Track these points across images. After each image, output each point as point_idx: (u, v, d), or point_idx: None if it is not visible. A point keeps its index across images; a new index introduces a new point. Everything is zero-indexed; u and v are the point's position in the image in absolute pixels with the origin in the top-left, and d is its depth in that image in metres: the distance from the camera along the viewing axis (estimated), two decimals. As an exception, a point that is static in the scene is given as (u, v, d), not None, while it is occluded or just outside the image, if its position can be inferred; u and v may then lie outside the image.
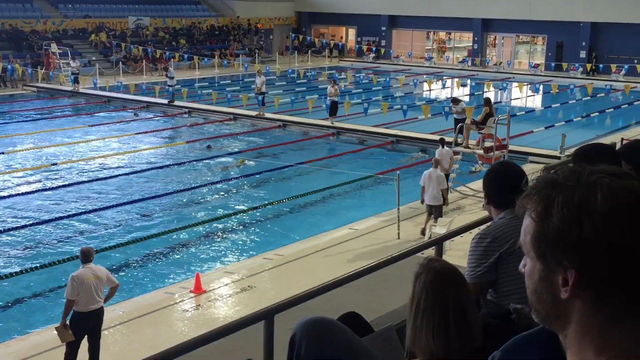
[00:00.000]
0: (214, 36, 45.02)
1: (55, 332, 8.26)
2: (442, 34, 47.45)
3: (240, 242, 13.70)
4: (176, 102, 27.93)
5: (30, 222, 14.33)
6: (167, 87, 28.57)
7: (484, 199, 3.56)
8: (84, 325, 8.30)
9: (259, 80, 25.66)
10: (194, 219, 14.61)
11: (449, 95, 30.61)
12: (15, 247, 13.16)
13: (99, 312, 8.41)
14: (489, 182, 3.51)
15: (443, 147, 15.44)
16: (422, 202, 13.45)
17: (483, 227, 3.96)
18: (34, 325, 9.99)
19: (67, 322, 8.22)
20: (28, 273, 11.75)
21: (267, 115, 25.48)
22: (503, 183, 3.39)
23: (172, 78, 28.18)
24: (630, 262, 1.12)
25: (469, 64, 42.77)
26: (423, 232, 13.04)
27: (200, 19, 46.01)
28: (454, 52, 46.30)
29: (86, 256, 8.42)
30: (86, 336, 8.38)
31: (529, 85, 34.76)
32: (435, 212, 13.27)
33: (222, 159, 20.07)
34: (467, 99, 29.68)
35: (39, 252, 12.91)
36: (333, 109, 23.71)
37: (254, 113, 25.69)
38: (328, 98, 23.93)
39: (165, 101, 28.30)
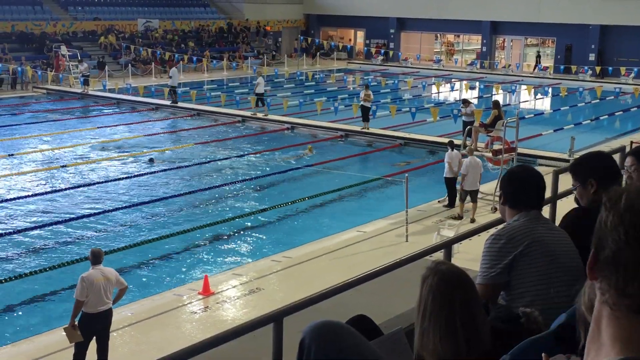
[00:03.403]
0: (223, 38, 45.09)
1: (64, 332, 8.29)
2: (451, 37, 47.40)
3: (249, 244, 13.71)
4: (185, 105, 27.96)
5: (40, 224, 14.40)
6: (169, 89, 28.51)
7: (499, 199, 3.56)
8: (92, 327, 8.34)
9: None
10: (202, 221, 14.63)
11: (458, 98, 30.53)
12: (25, 248, 13.22)
13: (108, 314, 8.44)
14: (507, 182, 3.51)
15: (452, 150, 15.42)
16: (462, 188, 14.37)
17: (492, 230, 3.96)
18: (43, 325, 10.02)
19: (76, 322, 8.26)
20: (38, 274, 11.81)
21: (276, 117, 25.55)
22: (521, 185, 3.39)
23: (171, 78, 28.18)
24: None
25: (478, 66, 42.65)
26: (460, 217, 14.06)
27: (209, 21, 46.12)
28: (462, 54, 46.23)
29: (96, 257, 8.45)
30: (95, 337, 8.42)
31: (538, 88, 34.65)
32: (473, 196, 14.27)
33: (291, 152, 20.79)
34: (475, 101, 29.59)
35: (48, 253, 12.97)
36: (364, 114, 23.32)
37: (261, 115, 25.83)
38: (361, 102, 23.79)
39: (170, 102, 28.33)
